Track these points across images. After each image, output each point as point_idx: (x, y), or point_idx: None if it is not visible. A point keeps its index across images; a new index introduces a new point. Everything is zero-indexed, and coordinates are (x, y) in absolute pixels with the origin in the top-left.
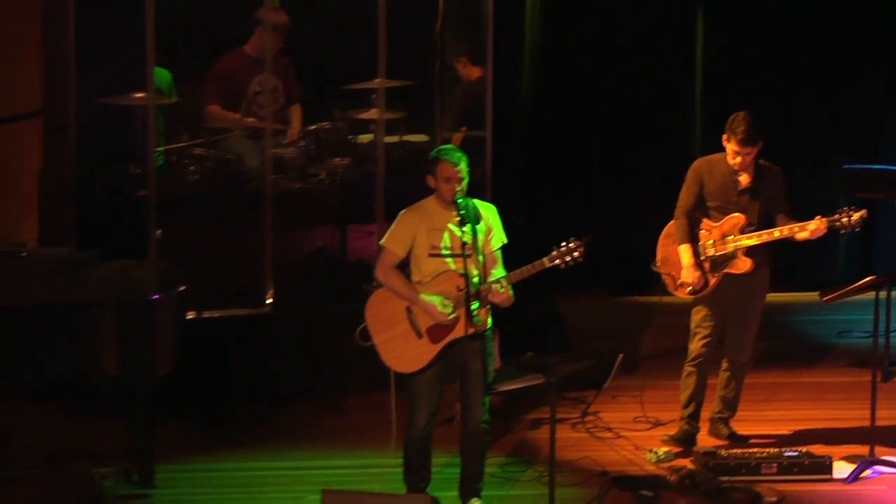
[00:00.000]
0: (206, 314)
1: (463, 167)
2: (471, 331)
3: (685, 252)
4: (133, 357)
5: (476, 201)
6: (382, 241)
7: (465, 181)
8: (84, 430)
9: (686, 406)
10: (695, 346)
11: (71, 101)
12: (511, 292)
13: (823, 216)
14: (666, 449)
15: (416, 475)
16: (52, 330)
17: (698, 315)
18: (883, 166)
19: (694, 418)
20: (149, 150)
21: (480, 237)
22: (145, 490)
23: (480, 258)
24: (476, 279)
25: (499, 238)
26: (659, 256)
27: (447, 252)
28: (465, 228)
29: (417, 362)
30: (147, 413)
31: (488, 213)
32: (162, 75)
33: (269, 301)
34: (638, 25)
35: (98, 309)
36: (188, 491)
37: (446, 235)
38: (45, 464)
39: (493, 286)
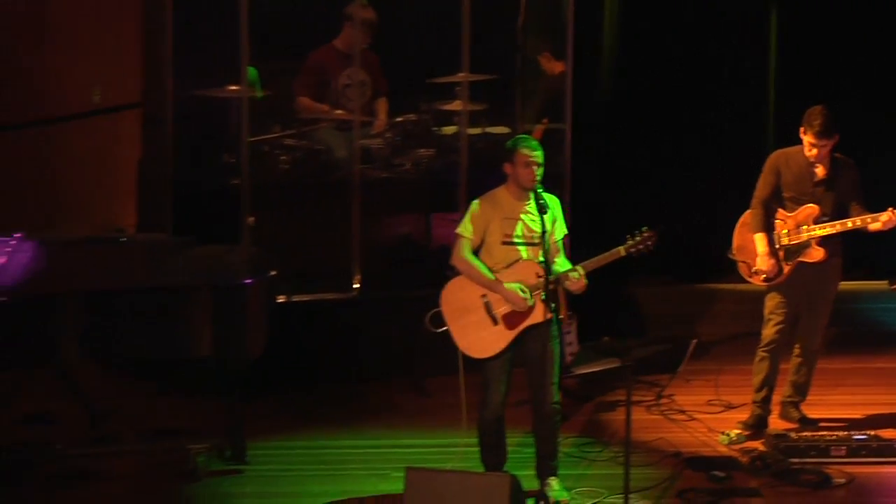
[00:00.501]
0: (295, 298)
1: (539, 154)
2: (549, 316)
3: (761, 241)
4: (226, 339)
5: (543, 193)
6: (458, 230)
7: (541, 170)
8: (180, 408)
9: (758, 390)
10: (768, 332)
11: (168, 93)
12: (585, 280)
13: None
14: (738, 431)
15: (492, 454)
16: (149, 312)
17: (772, 302)
18: None
19: (766, 402)
20: (242, 141)
21: (548, 226)
22: (237, 466)
23: (547, 247)
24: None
25: (561, 229)
26: (735, 244)
27: (520, 240)
28: (537, 219)
29: (493, 348)
30: (239, 392)
31: (554, 204)
32: (251, 72)
33: (355, 286)
34: (713, 22)
35: (193, 292)
36: (277, 467)
37: (519, 224)
38: (143, 440)
39: (570, 274)
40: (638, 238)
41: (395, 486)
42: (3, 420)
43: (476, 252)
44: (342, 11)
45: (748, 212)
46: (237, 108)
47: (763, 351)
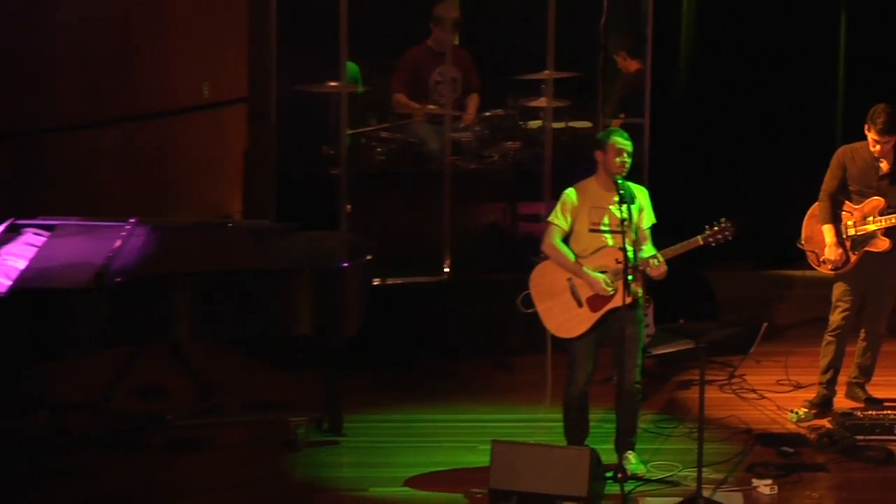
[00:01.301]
0: (389, 281)
1: (630, 145)
2: (628, 300)
3: (828, 231)
4: (325, 318)
5: (630, 184)
6: (549, 218)
7: (630, 160)
8: (282, 383)
9: (825, 372)
10: (835, 317)
11: (272, 88)
12: (666, 267)
13: None
14: (805, 410)
15: (576, 429)
16: (254, 293)
17: (839, 289)
18: None
19: (832, 384)
20: (341, 134)
21: (634, 216)
22: (334, 437)
23: (634, 235)
24: (630, 254)
25: (649, 218)
26: (804, 235)
27: (606, 228)
28: (623, 207)
29: (577, 329)
30: (337, 368)
31: (641, 194)
32: (351, 68)
33: (446, 270)
34: (785, 21)
35: (295, 275)
36: (372, 439)
37: (606, 214)
38: (247, 412)
39: (651, 261)
40: (716, 228)
41: (482, 458)
42: (119, 393)
43: (566, 239)
44: (429, 13)
45: (816, 204)
46: (336, 102)
47: (830, 335)
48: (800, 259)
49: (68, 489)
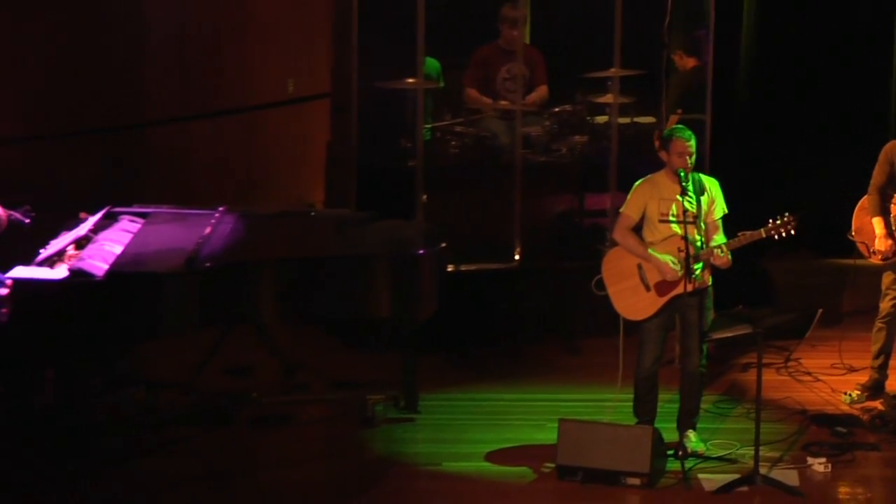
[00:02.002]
0: (463, 267)
1: (693, 144)
2: (690, 288)
3: (878, 223)
4: (401, 302)
5: (701, 175)
6: (622, 209)
7: (694, 157)
8: (361, 363)
9: (876, 357)
10: (885, 305)
11: (353, 85)
12: (730, 257)
13: None
14: (858, 392)
15: (644, 409)
16: (335, 278)
17: (888, 279)
18: None
19: (883, 368)
20: (417, 128)
21: (703, 207)
22: (410, 415)
23: (703, 225)
24: (698, 243)
25: (720, 209)
26: (854, 226)
27: (674, 219)
28: (686, 198)
29: (645, 311)
30: (413, 349)
31: (712, 186)
32: (432, 64)
33: (516, 257)
34: (843, 19)
35: (373, 261)
36: (446, 417)
37: (674, 205)
38: (328, 390)
39: (715, 251)
40: (779, 221)
41: (550, 435)
42: (208, 372)
43: (637, 228)
44: (498, 13)
45: (865, 197)
46: (413, 98)
47: (880, 322)
48: (851, 249)
49: (160, 463)
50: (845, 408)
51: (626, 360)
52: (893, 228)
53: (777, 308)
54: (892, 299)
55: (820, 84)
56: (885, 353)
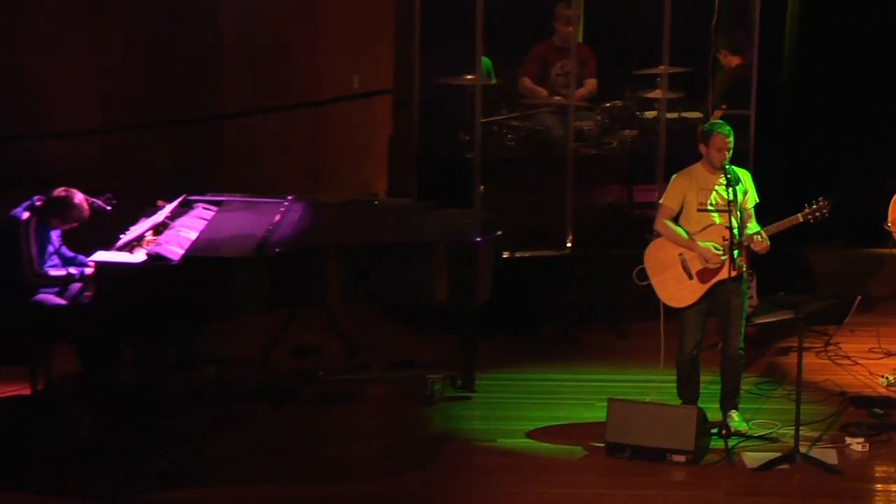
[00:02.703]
0: (517, 254)
1: (731, 139)
2: (733, 273)
3: None
4: (459, 287)
5: (735, 167)
6: (661, 200)
7: (731, 152)
8: (421, 344)
9: None
10: None
11: (415, 81)
12: (768, 242)
13: None
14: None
15: (686, 390)
16: (396, 263)
17: None
18: None
19: None
20: (475, 122)
21: (740, 197)
22: (466, 393)
23: (739, 214)
24: (736, 231)
25: (752, 198)
26: (891, 217)
27: (713, 208)
28: (729, 189)
29: (688, 299)
30: (470, 332)
31: (745, 177)
32: (485, 62)
33: (568, 245)
34: (882, 20)
35: (432, 248)
36: (501, 395)
37: (713, 195)
38: (390, 369)
39: (755, 237)
40: (814, 206)
41: (599, 414)
42: (276, 351)
43: (675, 218)
44: (552, 12)
45: None
46: (471, 94)
47: None
48: (887, 238)
49: (230, 435)
50: (882, 390)
51: (667, 344)
52: None
53: (816, 295)
54: None
55: (859, 81)
56: None
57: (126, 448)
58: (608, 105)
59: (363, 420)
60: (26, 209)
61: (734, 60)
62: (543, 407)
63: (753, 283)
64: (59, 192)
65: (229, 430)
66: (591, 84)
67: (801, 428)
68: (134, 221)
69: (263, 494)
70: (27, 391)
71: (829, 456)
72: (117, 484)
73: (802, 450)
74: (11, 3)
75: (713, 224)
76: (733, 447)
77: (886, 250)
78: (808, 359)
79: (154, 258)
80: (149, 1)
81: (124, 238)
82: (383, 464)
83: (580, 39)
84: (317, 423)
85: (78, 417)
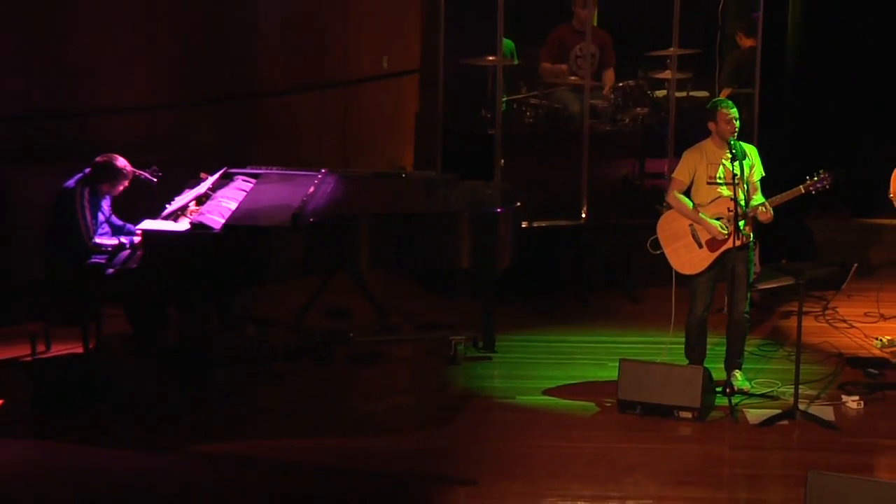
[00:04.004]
0: (536, 224)
1: (735, 113)
2: (738, 242)
3: None
4: (481, 254)
5: (742, 143)
6: (673, 174)
7: (738, 126)
8: (445, 308)
9: None
10: None
11: (440, 61)
12: (772, 213)
13: None
14: (889, 337)
15: (694, 352)
16: (422, 232)
17: None
18: None
19: None
20: (497, 100)
21: (746, 170)
22: (488, 354)
23: (746, 186)
24: (742, 203)
25: (759, 172)
26: (892, 189)
27: (721, 181)
28: (735, 163)
29: (698, 266)
30: (491, 296)
31: (751, 152)
32: (507, 44)
33: (583, 215)
34: (881, 7)
35: (456, 218)
36: (519, 356)
37: (721, 169)
38: (416, 331)
39: (759, 208)
40: (816, 178)
41: (612, 373)
42: (310, 313)
43: (686, 192)
44: None
45: None
46: (493, 73)
47: None
48: (886, 209)
49: (267, 392)
50: (877, 352)
51: (677, 309)
52: None
53: (816, 262)
54: None
55: (859, 62)
56: None
57: (171, 403)
58: (621, 84)
59: (391, 378)
60: (78, 181)
61: (748, 42)
62: (559, 366)
63: (757, 252)
64: (101, 158)
65: (266, 387)
66: (609, 77)
67: (800, 386)
68: (178, 192)
69: (299, 447)
70: (80, 350)
71: (827, 413)
72: (162, 435)
73: (802, 407)
74: None
75: (721, 196)
76: (737, 404)
77: (886, 221)
78: (808, 322)
79: (197, 227)
80: None
81: (170, 208)
82: (410, 419)
83: (595, 23)
84: (348, 381)
85: (126, 374)
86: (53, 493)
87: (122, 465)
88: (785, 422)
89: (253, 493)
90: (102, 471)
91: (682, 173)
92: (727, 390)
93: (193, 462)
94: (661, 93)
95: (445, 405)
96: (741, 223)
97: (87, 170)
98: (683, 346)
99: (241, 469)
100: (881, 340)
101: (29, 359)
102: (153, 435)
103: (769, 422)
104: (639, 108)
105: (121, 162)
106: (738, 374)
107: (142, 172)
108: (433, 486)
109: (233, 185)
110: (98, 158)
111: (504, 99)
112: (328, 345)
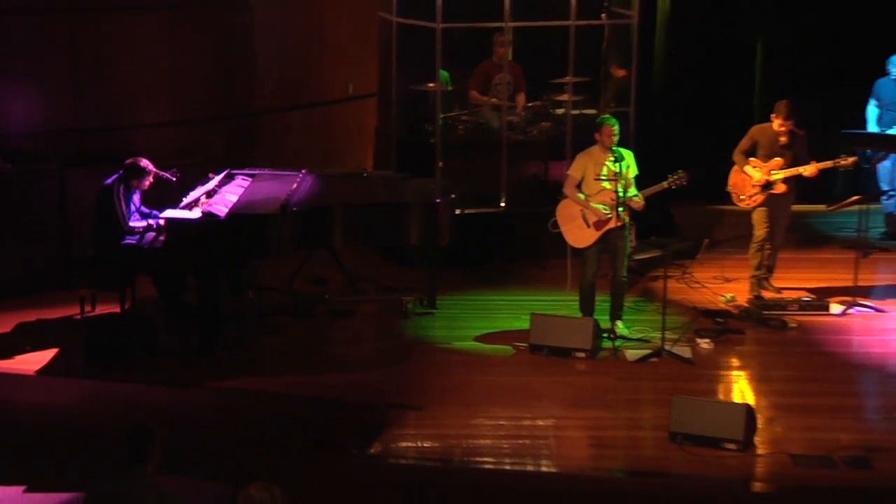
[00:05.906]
0: (467, 210)
1: (617, 128)
2: (619, 224)
3: (748, 169)
4: (426, 234)
5: (621, 149)
6: (568, 171)
7: (618, 136)
8: (400, 275)
9: (757, 269)
10: (759, 233)
11: (393, 87)
12: (643, 202)
13: None
14: (731, 294)
15: (586, 307)
16: (382, 217)
17: (758, 216)
18: None
19: (758, 278)
20: (436, 117)
21: (624, 170)
22: (431, 311)
23: (624, 182)
24: (621, 194)
25: (633, 171)
26: (731, 182)
27: (605, 178)
28: (616, 164)
29: (587, 241)
30: (435, 266)
31: (628, 155)
32: (443, 74)
33: (503, 204)
34: (721, 41)
35: (407, 206)
36: (456, 312)
37: (605, 168)
38: (378, 293)
39: (634, 199)
40: (676, 177)
41: (524, 324)
42: (297, 280)
43: (578, 185)
44: (492, 38)
45: (735, 163)
46: (433, 97)
47: (755, 245)
48: (729, 199)
49: (265, 341)
50: (722, 305)
51: (573, 273)
52: (754, 184)
53: (677, 238)
54: (764, 229)
55: (708, 86)
56: (762, 266)
57: (191, 350)
58: (531, 105)
59: (359, 330)
60: (114, 180)
61: (620, 73)
62: (486, 319)
63: (633, 231)
64: (130, 161)
65: (264, 337)
66: (521, 99)
67: (666, 332)
68: (192, 188)
69: (289, 382)
70: (118, 309)
71: (686, 352)
72: (185, 374)
73: (667, 347)
74: (108, 28)
75: (605, 189)
76: (619, 347)
77: (729, 207)
78: (671, 284)
79: (207, 215)
80: (207, 24)
81: (185, 200)
82: (375, 360)
83: (510, 58)
84: (326, 331)
85: (157, 328)
86: (104, 420)
87: (158, 398)
88: (655, 359)
89: (255, 416)
90: (142, 402)
91: (575, 171)
92: (611, 336)
93: (212, 394)
94: (560, 111)
95: (399, 350)
96: (620, 209)
97: (121, 171)
98: (578, 302)
99: (247, 398)
100: (725, 297)
101: (79, 317)
102: (179, 374)
103: (643, 359)
104: (544, 123)
105: (144, 162)
106: (619, 323)
107: (163, 172)
108: (390, 410)
109: (234, 182)
110: (127, 161)
111: (441, 116)
112: (311, 304)
